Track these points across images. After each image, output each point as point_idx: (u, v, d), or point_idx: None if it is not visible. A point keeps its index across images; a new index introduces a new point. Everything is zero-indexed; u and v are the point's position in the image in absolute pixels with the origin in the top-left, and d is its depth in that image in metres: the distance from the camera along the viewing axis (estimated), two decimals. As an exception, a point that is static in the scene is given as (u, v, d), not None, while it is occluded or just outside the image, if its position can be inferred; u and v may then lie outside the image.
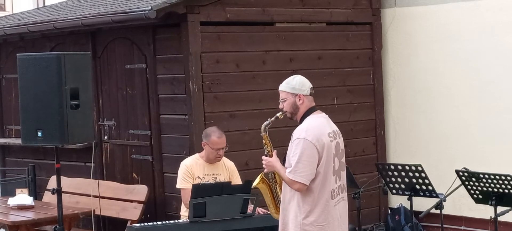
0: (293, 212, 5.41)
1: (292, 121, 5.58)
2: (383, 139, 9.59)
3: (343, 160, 5.55)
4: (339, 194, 5.48)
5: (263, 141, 5.57)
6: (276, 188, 5.63)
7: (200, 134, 7.63)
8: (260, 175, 5.63)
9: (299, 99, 5.44)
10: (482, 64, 8.71)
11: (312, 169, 5.30)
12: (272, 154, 5.54)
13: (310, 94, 5.48)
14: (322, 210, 5.36)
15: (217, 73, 8.29)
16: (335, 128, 5.54)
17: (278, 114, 5.52)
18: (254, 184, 5.64)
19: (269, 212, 5.99)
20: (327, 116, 5.56)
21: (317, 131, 5.36)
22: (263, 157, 5.55)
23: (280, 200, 5.61)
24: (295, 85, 5.46)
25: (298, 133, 5.38)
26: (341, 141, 5.55)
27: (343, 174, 5.55)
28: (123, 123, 8.89)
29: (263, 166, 5.55)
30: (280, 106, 5.51)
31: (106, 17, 8.35)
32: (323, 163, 5.34)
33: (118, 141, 8.97)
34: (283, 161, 5.50)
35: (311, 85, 5.51)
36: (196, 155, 7.40)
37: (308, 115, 5.45)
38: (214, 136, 7.19)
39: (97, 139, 9.03)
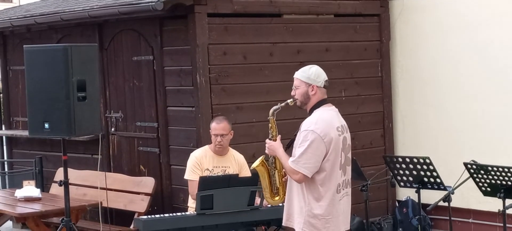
0: (299, 204, 5.41)
1: (301, 113, 5.56)
2: (391, 131, 9.57)
3: (349, 155, 5.54)
4: (344, 189, 5.48)
5: (269, 125, 5.56)
6: (275, 173, 5.63)
7: (207, 126, 7.63)
8: (261, 157, 5.64)
9: (312, 90, 5.43)
10: (491, 55, 8.67)
11: (317, 162, 5.29)
12: (276, 139, 5.54)
13: (324, 87, 5.47)
14: (328, 203, 5.36)
15: (224, 65, 8.27)
16: (343, 122, 5.53)
17: (288, 100, 5.51)
18: (254, 165, 5.65)
19: (276, 205, 5.98)
20: (336, 109, 5.54)
21: (327, 124, 5.35)
22: (267, 140, 5.55)
23: (276, 186, 5.64)
24: (311, 75, 5.45)
25: (307, 124, 5.36)
26: (348, 135, 5.53)
27: (348, 169, 5.54)
28: (130, 115, 8.88)
29: (266, 149, 5.55)
30: (292, 93, 5.50)
31: (113, 9, 8.33)
32: (330, 157, 5.33)
33: (125, 133, 8.97)
34: (286, 148, 5.49)
35: (326, 78, 5.50)
36: (206, 147, 7.41)
37: (318, 107, 5.44)
38: (214, 121, 7.30)
39: (104, 131, 9.03)
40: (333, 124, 5.39)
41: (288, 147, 5.51)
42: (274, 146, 5.51)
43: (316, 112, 5.42)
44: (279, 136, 5.56)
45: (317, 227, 5.35)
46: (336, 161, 5.37)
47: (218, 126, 7.24)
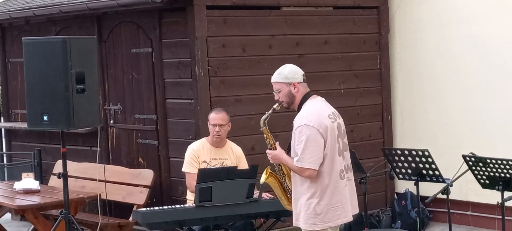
0: (305, 199, 5.39)
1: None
2: (389, 124, 9.57)
3: (346, 140, 5.55)
4: (346, 174, 5.49)
5: (264, 135, 5.56)
6: (285, 179, 5.60)
7: (206, 118, 7.62)
8: (266, 169, 5.60)
9: (294, 88, 5.43)
10: (491, 48, 8.66)
11: (319, 153, 5.30)
12: (275, 146, 5.53)
13: (303, 81, 5.47)
14: (333, 191, 5.37)
15: (223, 57, 8.26)
16: (333, 109, 5.53)
17: (274, 106, 5.51)
18: (262, 180, 5.60)
19: (274, 197, 5.97)
20: (323, 98, 5.55)
21: (318, 115, 5.36)
22: (268, 151, 5.53)
23: (290, 191, 5.59)
24: (288, 74, 5.45)
25: (299, 120, 5.37)
26: (341, 121, 5.55)
27: (347, 154, 5.56)
28: (129, 107, 8.88)
29: (269, 159, 5.53)
30: (276, 97, 5.50)
31: (112, 1, 8.32)
32: (329, 145, 5.34)
33: (124, 126, 8.97)
34: (287, 152, 5.48)
35: (303, 72, 5.50)
36: (203, 139, 7.40)
37: (305, 101, 5.45)
38: (212, 112, 7.29)
39: (103, 123, 9.03)
40: (323, 113, 5.40)
41: (289, 150, 5.49)
42: (277, 154, 5.50)
43: (305, 106, 5.43)
44: (278, 142, 5.55)
45: (329, 217, 5.37)
46: (334, 148, 5.38)
47: (216, 116, 7.24)
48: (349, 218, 5.49)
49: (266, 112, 5.53)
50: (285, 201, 5.66)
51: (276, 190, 5.65)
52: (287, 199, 5.64)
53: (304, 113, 5.38)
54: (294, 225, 5.56)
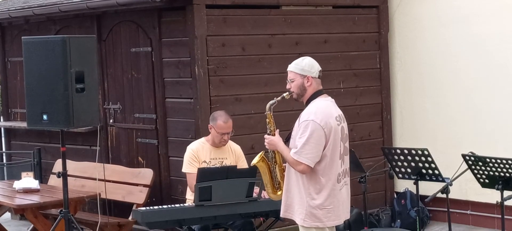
0: (299, 195, 5.42)
1: (298, 104, 5.56)
2: (389, 123, 9.57)
3: (347, 144, 5.57)
4: (343, 178, 5.51)
5: (267, 120, 5.57)
6: (275, 168, 5.63)
7: (206, 117, 7.62)
8: (260, 153, 5.63)
9: (307, 81, 5.44)
10: (490, 48, 8.66)
11: (318, 151, 5.31)
12: (274, 133, 5.54)
13: (319, 77, 5.48)
14: (329, 193, 5.39)
15: (222, 56, 8.26)
16: (340, 112, 5.55)
17: (284, 94, 5.52)
18: (254, 162, 5.65)
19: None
20: (333, 99, 5.55)
21: (326, 114, 5.37)
22: (266, 136, 5.56)
23: (278, 181, 5.64)
24: (305, 66, 5.46)
25: (307, 115, 5.38)
26: (345, 125, 5.56)
27: (347, 158, 5.57)
28: (129, 106, 8.87)
29: (265, 144, 5.55)
30: (288, 86, 5.51)
31: (112, 0, 8.32)
32: (330, 146, 5.35)
33: (123, 125, 8.96)
34: (286, 142, 5.49)
35: (320, 68, 5.51)
36: (203, 139, 7.39)
37: (315, 98, 5.45)
38: (220, 120, 7.18)
39: (103, 123, 9.02)
40: (331, 113, 5.41)
41: (287, 140, 5.51)
42: (274, 140, 5.52)
43: (314, 102, 5.43)
44: (278, 130, 5.57)
45: (319, 217, 5.38)
46: (335, 151, 5.39)
47: (225, 125, 7.19)
48: (340, 222, 5.52)
49: (275, 98, 5.54)
50: (270, 188, 5.69)
51: (264, 176, 5.68)
52: (273, 187, 5.67)
53: (313, 109, 5.39)
54: (281, 215, 5.60)
